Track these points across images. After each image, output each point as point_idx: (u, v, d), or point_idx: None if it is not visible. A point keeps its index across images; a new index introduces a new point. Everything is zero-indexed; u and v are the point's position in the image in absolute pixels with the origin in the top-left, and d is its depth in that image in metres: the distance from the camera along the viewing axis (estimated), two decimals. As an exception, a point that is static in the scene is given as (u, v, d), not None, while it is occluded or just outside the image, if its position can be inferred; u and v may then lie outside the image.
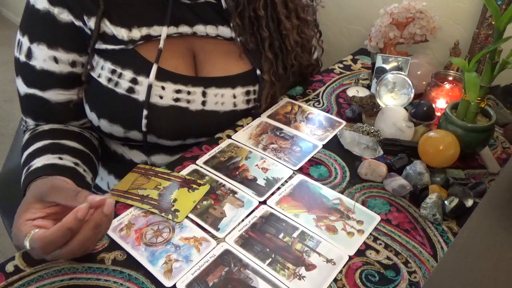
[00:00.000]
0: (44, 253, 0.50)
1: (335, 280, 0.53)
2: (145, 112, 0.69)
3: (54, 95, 0.71)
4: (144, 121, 0.69)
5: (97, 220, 0.50)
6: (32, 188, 0.57)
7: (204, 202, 0.63)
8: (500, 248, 0.46)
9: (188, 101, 0.72)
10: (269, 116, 0.82)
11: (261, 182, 0.67)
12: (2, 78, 2.43)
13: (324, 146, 0.75)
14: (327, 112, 0.84)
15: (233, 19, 0.74)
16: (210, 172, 0.69)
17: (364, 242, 0.58)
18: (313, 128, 0.79)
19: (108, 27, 0.67)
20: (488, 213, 0.51)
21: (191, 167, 0.70)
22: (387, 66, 0.86)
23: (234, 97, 0.75)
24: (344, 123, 0.81)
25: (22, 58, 0.69)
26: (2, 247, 1.50)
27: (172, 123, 0.71)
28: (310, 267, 0.54)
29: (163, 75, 0.70)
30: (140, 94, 0.69)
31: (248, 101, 0.78)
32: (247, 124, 0.80)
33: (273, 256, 0.56)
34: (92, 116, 0.72)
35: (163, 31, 0.70)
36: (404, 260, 0.56)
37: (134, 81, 0.68)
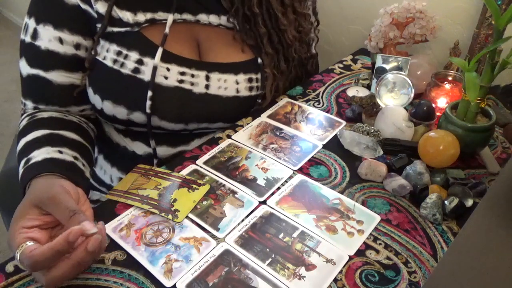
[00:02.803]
0: (31, 270, 0.49)
1: (335, 280, 0.53)
2: (149, 93, 0.69)
3: (57, 77, 0.71)
4: (148, 103, 0.70)
5: (79, 257, 0.49)
6: (31, 190, 0.57)
7: (204, 202, 0.63)
8: (500, 248, 0.46)
9: (192, 84, 0.73)
10: (269, 116, 0.82)
11: (261, 182, 0.67)
12: (2, 78, 2.43)
13: (324, 146, 0.75)
14: (327, 112, 0.84)
15: (230, 16, 0.76)
16: (210, 172, 0.69)
17: (364, 242, 0.58)
18: (313, 128, 0.79)
19: (114, 11, 0.69)
20: (488, 213, 0.51)
21: (191, 167, 0.70)
22: (387, 66, 0.86)
23: (237, 83, 0.76)
24: (344, 123, 0.81)
25: (28, 39, 0.70)
26: (2, 247, 1.50)
27: (175, 104, 0.72)
28: (310, 267, 0.54)
29: (168, 57, 0.71)
30: (145, 75, 0.70)
31: (250, 89, 0.79)
32: (247, 124, 0.80)
33: (273, 256, 0.56)
34: (95, 99, 0.72)
35: (169, 17, 0.71)
36: (404, 260, 0.56)
37: (139, 61, 0.69)
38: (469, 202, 0.62)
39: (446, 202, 0.61)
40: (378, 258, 0.56)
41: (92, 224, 0.49)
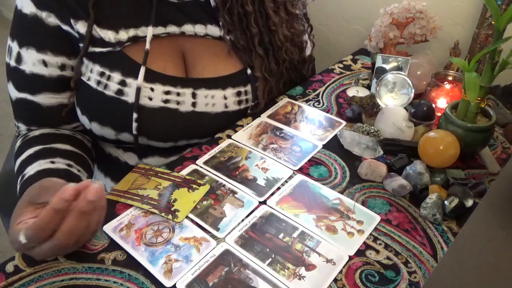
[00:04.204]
0: (37, 239, 0.48)
1: (335, 280, 0.53)
2: (135, 115, 0.68)
3: (45, 99, 0.70)
4: (134, 124, 0.69)
5: (81, 206, 0.47)
6: (23, 195, 0.57)
7: (204, 202, 0.63)
8: (500, 248, 0.46)
9: (178, 103, 0.71)
10: (269, 116, 0.82)
11: (261, 182, 0.67)
12: (2, 78, 2.43)
13: (324, 146, 0.75)
14: (327, 112, 0.84)
15: (222, 16, 0.73)
16: (210, 172, 0.69)
17: (364, 242, 0.58)
18: (313, 128, 0.79)
19: (95, 30, 0.67)
20: (488, 213, 0.51)
21: (191, 167, 0.70)
22: (387, 66, 0.86)
23: (225, 98, 0.75)
24: (344, 123, 0.81)
25: (12, 63, 0.69)
26: (2, 247, 1.50)
27: (162, 124, 0.71)
28: (310, 267, 0.54)
29: (152, 76, 0.69)
30: (129, 96, 0.68)
31: (239, 102, 0.77)
32: (247, 124, 0.80)
33: (273, 256, 0.56)
34: (83, 119, 0.72)
35: (149, 31, 0.69)
36: (404, 260, 0.56)
37: (122, 83, 0.68)
38: (469, 202, 0.62)
39: (446, 202, 0.61)
40: (378, 258, 0.56)
41: (89, 181, 0.48)
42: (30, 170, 0.63)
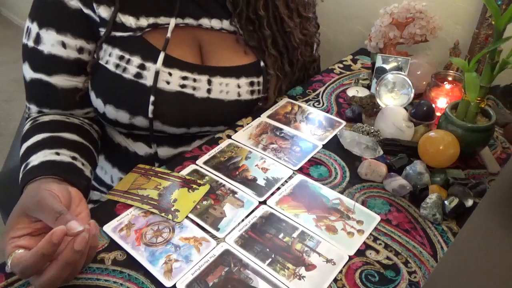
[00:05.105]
0: (22, 277, 0.49)
1: (335, 280, 0.53)
2: (152, 98, 0.70)
3: (61, 81, 0.71)
4: (150, 107, 0.70)
5: (67, 257, 0.47)
6: (21, 197, 0.56)
7: (204, 202, 0.63)
8: (500, 248, 0.46)
9: (194, 88, 0.73)
10: (269, 116, 0.82)
11: (261, 182, 0.67)
12: (3, 78, 2.43)
13: (324, 146, 0.75)
14: (327, 112, 0.84)
15: (232, 18, 0.76)
16: (210, 172, 0.69)
17: (364, 242, 0.58)
18: (313, 128, 0.79)
19: (117, 15, 0.69)
20: (488, 213, 0.51)
21: (191, 167, 0.70)
22: (387, 66, 0.86)
23: (239, 87, 0.77)
24: (344, 123, 0.81)
25: (31, 43, 0.70)
26: (2, 247, 1.50)
27: (178, 109, 0.73)
28: (310, 267, 0.54)
29: (170, 62, 0.71)
30: (147, 80, 0.70)
31: (252, 92, 0.79)
32: (247, 124, 0.80)
33: (273, 256, 0.56)
34: (97, 102, 0.72)
35: (171, 22, 0.72)
36: (404, 260, 0.56)
37: (142, 66, 0.70)
38: (469, 202, 0.62)
39: (446, 202, 0.61)
40: (378, 258, 0.56)
41: (78, 223, 0.48)
42: (34, 160, 0.62)
